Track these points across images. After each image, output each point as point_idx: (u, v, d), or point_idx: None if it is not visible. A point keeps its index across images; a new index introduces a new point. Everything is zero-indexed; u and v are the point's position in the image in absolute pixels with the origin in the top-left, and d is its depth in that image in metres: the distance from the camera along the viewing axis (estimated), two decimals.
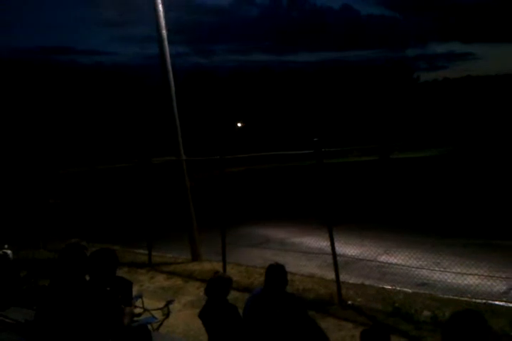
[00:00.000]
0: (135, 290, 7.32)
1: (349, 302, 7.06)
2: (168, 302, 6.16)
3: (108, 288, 3.96)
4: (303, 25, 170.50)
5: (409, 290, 7.69)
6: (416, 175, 26.85)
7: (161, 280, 9.50)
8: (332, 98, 67.19)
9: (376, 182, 25.36)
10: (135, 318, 5.56)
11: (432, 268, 9.85)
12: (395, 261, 10.96)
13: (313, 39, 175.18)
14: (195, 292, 8.16)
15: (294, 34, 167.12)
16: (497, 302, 6.78)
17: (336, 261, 7.40)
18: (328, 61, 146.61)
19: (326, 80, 70.75)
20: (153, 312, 6.07)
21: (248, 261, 10.24)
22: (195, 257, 10.92)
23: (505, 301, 6.88)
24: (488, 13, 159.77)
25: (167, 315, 6.04)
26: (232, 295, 5.73)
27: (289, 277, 4.91)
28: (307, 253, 11.47)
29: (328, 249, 7.54)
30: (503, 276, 8.38)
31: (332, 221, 7.50)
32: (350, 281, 8.26)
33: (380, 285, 8.15)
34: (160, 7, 10.79)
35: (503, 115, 56.09)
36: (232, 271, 9.25)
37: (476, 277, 8.74)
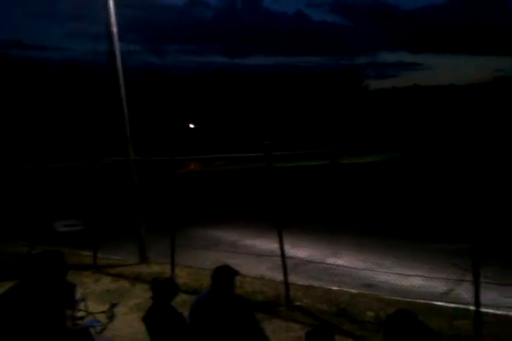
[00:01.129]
0: (79, 293, 7.08)
1: (297, 303, 7.12)
2: (113, 305, 6.00)
3: (50, 291, 3.80)
4: (257, 29, 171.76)
5: (355, 291, 7.86)
6: (364, 179, 27.59)
7: (106, 282, 9.24)
8: (284, 102, 67.93)
9: (326, 186, 25.86)
10: (78, 322, 5.38)
11: (377, 269, 10.12)
12: (342, 262, 11.19)
13: (267, 43, 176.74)
14: (142, 295, 7.99)
15: (248, 37, 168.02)
16: (438, 303, 7.04)
17: (284, 263, 7.45)
18: (280, 65, 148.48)
19: (279, 84, 71.44)
20: (97, 316, 5.88)
21: (199, 263, 10.14)
22: (144, 259, 10.71)
23: (445, 301, 7.15)
24: (436, 25, 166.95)
25: (112, 318, 5.89)
26: (181, 298, 5.66)
27: (238, 279, 4.89)
28: (258, 256, 11.49)
29: (279, 251, 7.59)
30: (444, 277, 8.72)
31: (282, 223, 7.56)
32: (299, 283, 8.34)
33: (328, 287, 8.28)
34: (111, 3, 10.53)
35: (448, 123, 58.63)
36: (181, 274, 9.14)
37: (419, 278, 9.06)
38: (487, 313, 6.05)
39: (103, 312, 5.97)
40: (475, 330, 5.61)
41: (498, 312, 6.47)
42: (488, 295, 6.36)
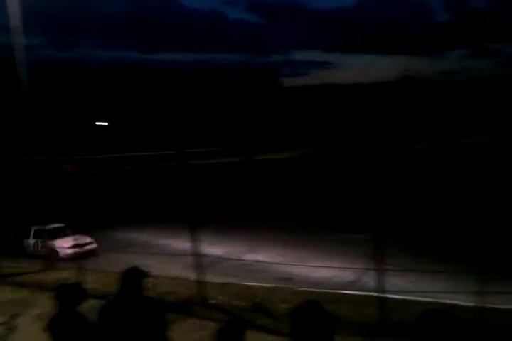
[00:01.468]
0: None
1: (212, 301, 7.06)
2: (14, 316, 5.59)
3: None
4: (170, 24, 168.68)
5: (271, 286, 7.97)
6: (279, 175, 28.15)
7: (7, 292, 8.58)
8: (200, 99, 67.52)
9: (243, 182, 26.04)
10: None
11: (293, 263, 10.38)
12: (259, 258, 11.35)
13: (181, 39, 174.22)
14: (46, 303, 7.50)
15: (161, 33, 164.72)
16: (348, 292, 7.34)
17: (198, 262, 7.36)
18: (196, 62, 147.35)
19: (194, 81, 70.89)
20: None
21: (111, 267, 9.73)
22: (49, 266, 10.09)
23: (354, 290, 7.47)
24: (346, 25, 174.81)
25: (12, 329, 5.47)
26: (89, 303, 5.38)
27: (152, 280, 4.72)
28: (173, 256, 11.29)
29: (194, 250, 7.47)
30: (354, 267, 9.11)
31: (196, 221, 7.45)
32: (215, 281, 8.28)
33: (243, 283, 8.32)
34: None
35: (356, 121, 61.55)
36: (90, 278, 8.71)
37: (331, 269, 9.42)
38: (392, 299, 6.37)
39: (1, 324, 5.53)
40: (381, 316, 5.90)
41: (402, 297, 6.86)
42: (392, 281, 6.72)
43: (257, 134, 55.22)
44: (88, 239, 13.32)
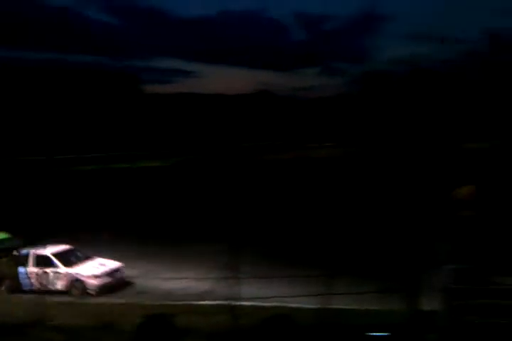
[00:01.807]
0: None
1: (52, 322, 6.52)
2: None
3: None
4: (19, 18, 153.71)
5: (121, 301, 7.63)
6: (145, 185, 27.17)
7: None
8: (54, 101, 62.96)
9: (103, 192, 24.54)
10: None
11: (148, 276, 10.03)
12: None
13: (32, 36, 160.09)
14: None
15: (8, 27, 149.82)
16: (200, 302, 7.33)
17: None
18: (49, 61, 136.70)
19: (45, 82, 65.85)
20: None
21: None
22: None
23: (208, 300, 7.48)
24: (209, 36, 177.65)
25: None
26: None
27: None
28: None
29: None
30: (207, 277, 9.09)
31: (43, 234, 6.88)
32: (61, 300, 7.71)
33: (89, 300, 7.86)
34: None
35: (217, 131, 62.93)
36: None
37: (186, 280, 9.30)
38: (243, 306, 6.50)
39: None
40: (232, 323, 5.96)
41: (253, 303, 7.04)
42: (246, 289, 6.88)
43: (117, 141, 53.13)
44: (117, 264, 10.24)
